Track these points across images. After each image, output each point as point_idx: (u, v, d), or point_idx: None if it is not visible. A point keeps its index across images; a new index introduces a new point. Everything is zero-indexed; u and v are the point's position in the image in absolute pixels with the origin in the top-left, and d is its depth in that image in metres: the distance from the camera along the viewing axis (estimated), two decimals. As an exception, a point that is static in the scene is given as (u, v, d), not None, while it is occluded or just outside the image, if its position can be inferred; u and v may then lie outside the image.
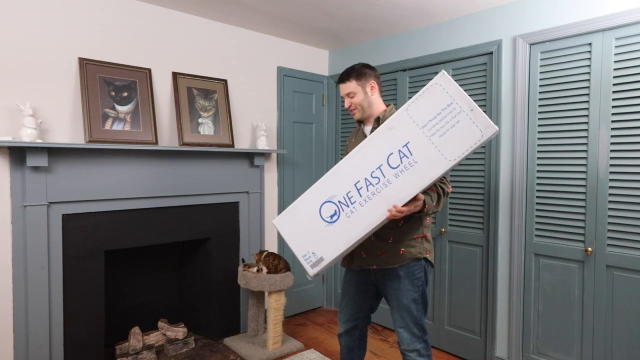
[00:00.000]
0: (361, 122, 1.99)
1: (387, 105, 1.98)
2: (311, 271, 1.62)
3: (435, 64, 2.88)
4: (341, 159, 2.10)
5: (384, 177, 1.52)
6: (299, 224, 1.64)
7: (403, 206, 1.54)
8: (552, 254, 2.39)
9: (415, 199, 1.55)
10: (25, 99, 2.19)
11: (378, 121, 1.91)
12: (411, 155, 1.49)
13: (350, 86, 1.89)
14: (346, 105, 1.95)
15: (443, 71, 1.51)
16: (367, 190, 1.54)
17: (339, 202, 1.58)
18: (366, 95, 1.91)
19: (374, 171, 1.54)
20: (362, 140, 1.95)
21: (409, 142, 1.50)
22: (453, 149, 1.45)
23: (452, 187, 2.79)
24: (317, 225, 1.60)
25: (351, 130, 3.03)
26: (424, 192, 1.64)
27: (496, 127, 1.44)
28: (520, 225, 2.49)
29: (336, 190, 1.59)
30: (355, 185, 1.56)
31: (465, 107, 1.44)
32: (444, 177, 1.80)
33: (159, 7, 2.68)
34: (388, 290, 1.86)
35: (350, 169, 1.58)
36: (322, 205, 1.60)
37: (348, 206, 1.57)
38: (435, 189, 1.73)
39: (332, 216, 1.59)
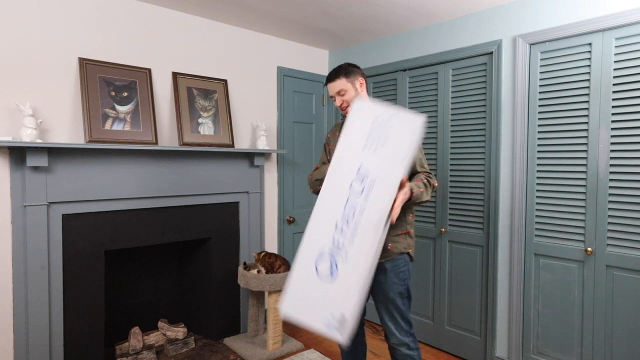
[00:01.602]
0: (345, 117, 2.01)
1: None
2: (341, 337, 1.45)
3: (435, 64, 2.88)
4: (323, 150, 2.13)
5: (356, 205, 1.54)
6: (304, 298, 1.54)
7: (394, 202, 1.55)
8: (552, 254, 2.39)
9: (401, 185, 1.57)
10: (25, 99, 2.19)
11: None
12: (368, 174, 1.54)
13: (341, 83, 1.93)
14: (337, 103, 1.97)
15: (355, 101, 1.65)
16: (349, 227, 1.53)
17: (330, 253, 1.53)
18: (357, 92, 1.94)
19: (345, 205, 1.55)
20: None
21: (360, 165, 1.55)
22: (399, 151, 1.52)
23: (452, 187, 2.81)
24: (321, 288, 1.52)
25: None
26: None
27: (422, 116, 1.51)
28: (520, 225, 2.49)
29: (321, 242, 1.55)
30: (335, 227, 1.54)
31: (389, 113, 1.54)
32: (429, 173, 1.85)
33: (159, 7, 2.68)
34: (374, 285, 1.87)
35: (325, 214, 1.58)
36: (316, 266, 1.55)
37: (340, 250, 1.52)
38: (420, 179, 1.78)
39: (330, 272, 1.53)
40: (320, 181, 2.08)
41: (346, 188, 1.55)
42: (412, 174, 1.87)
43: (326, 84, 2.00)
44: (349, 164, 1.57)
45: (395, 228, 1.86)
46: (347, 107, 1.94)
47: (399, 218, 1.84)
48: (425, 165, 1.91)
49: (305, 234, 1.60)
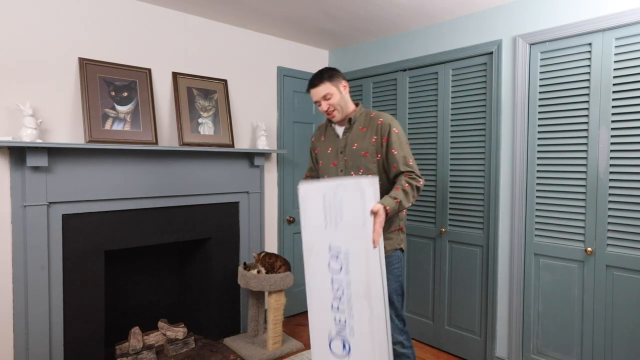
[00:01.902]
0: (331, 121, 2.02)
1: (357, 105, 2.01)
2: None
3: (435, 64, 2.88)
4: (310, 157, 2.13)
5: (342, 282, 1.60)
6: None
7: (374, 232, 1.61)
8: (552, 254, 2.39)
9: (376, 215, 1.61)
10: (25, 99, 2.19)
11: (350, 122, 1.95)
12: (340, 250, 1.60)
13: (326, 88, 1.90)
14: (323, 108, 1.93)
15: (299, 185, 1.69)
16: (343, 303, 1.60)
17: (337, 333, 1.63)
18: (341, 95, 1.93)
19: (332, 286, 1.62)
20: (334, 140, 2.00)
21: (330, 245, 1.62)
22: (356, 218, 1.57)
23: (452, 187, 2.81)
24: None
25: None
26: (385, 194, 1.76)
27: (364, 180, 1.56)
28: (520, 225, 2.49)
29: (327, 328, 1.64)
30: (332, 308, 1.63)
31: (334, 188, 1.59)
32: (411, 173, 1.83)
33: (159, 7, 2.68)
34: None
35: (319, 301, 1.67)
36: (331, 349, 1.65)
37: (345, 327, 1.61)
38: (399, 186, 1.77)
39: (344, 349, 1.62)
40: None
41: (326, 269, 1.63)
42: (396, 175, 1.86)
43: (309, 89, 1.96)
44: (319, 247, 1.64)
45: (388, 225, 1.88)
46: (333, 110, 1.92)
47: (391, 216, 1.87)
48: (410, 161, 1.87)
49: (310, 323, 1.70)
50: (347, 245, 1.58)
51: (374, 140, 1.89)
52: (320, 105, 1.94)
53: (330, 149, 2.02)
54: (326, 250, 1.63)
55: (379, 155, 1.89)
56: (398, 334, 1.90)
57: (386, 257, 1.89)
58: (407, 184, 1.78)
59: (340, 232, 1.59)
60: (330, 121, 2.03)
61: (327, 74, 1.92)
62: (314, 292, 1.68)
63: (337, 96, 1.91)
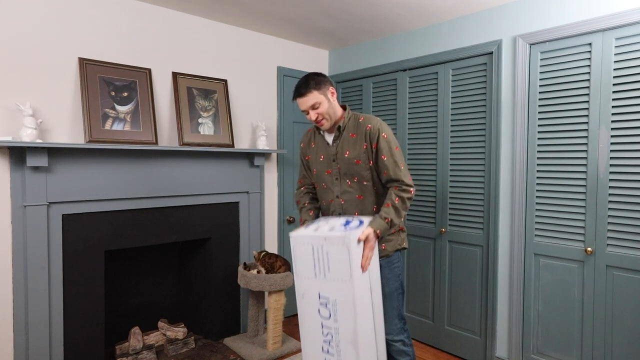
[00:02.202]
0: (318, 128, 1.96)
1: (344, 109, 1.94)
2: None
3: (435, 64, 2.88)
4: (301, 163, 2.12)
5: (331, 329, 1.69)
6: None
7: (363, 257, 1.66)
8: (552, 254, 2.39)
9: (366, 242, 1.67)
10: (25, 99, 2.19)
11: (339, 129, 1.90)
12: (328, 299, 1.68)
13: (313, 97, 1.82)
14: (312, 118, 1.86)
15: (290, 233, 1.74)
16: (333, 347, 1.70)
17: None
18: (330, 103, 1.86)
19: (322, 331, 1.72)
20: (324, 147, 1.98)
21: (319, 293, 1.70)
22: (342, 272, 1.64)
23: (452, 187, 2.81)
24: None
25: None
26: (378, 202, 1.83)
27: (348, 235, 1.60)
28: (520, 225, 2.49)
29: None
30: (322, 351, 1.73)
31: (320, 241, 1.65)
32: (401, 183, 1.81)
33: (159, 7, 2.68)
34: None
35: (312, 345, 1.76)
36: None
37: None
38: (390, 201, 1.78)
39: None
40: (299, 204, 2.10)
41: (317, 315, 1.72)
42: (388, 181, 1.85)
43: (295, 98, 1.87)
44: (309, 294, 1.72)
45: None
46: (322, 119, 1.86)
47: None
48: (402, 166, 1.83)
49: None
50: (334, 295, 1.66)
51: (364, 147, 1.84)
52: (308, 114, 1.87)
53: (322, 156, 1.96)
54: (316, 298, 1.71)
55: (371, 162, 1.85)
56: (399, 332, 1.91)
57: (387, 257, 1.90)
58: (397, 198, 1.78)
59: (328, 283, 1.67)
60: (318, 128, 1.97)
61: (313, 82, 1.83)
62: (307, 334, 1.77)
63: (325, 104, 1.84)
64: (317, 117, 1.86)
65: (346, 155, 1.88)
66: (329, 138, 1.95)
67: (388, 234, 1.88)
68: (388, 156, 1.82)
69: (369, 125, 1.85)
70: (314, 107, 1.84)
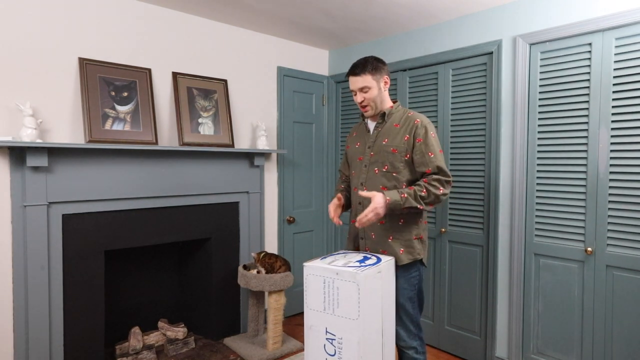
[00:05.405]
0: (364, 116, 1.96)
1: (394, 102, 1.93)
2: None
3: (435, 64, 2.88)
4: (341, 154, 2.13)
5: None
6: None
7: (362, 213, 1.67)
8: (552, 254, 2.39)
9: (372, 198, 1.66)
10: (25, 99, 2.19)
11: (383, 116, 1.87)
12: (335, 335, 1.70)
13: (366, 80, 1.80)
14: (358, 100, 1.84)
15: (304, 263, 1.76)
16: None
17: None
18: (380, 91, 1.83)
19: None
20: (364, 135, 1.96)
21: (326, 329, 1.72)
22: (350, 311, 1.64)
23: (453, 187, 2.80)
24: None
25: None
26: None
27: (359, 274, 1.59)
28: (520, 225, 2.49)
29: None
30: None
31: (333, 275, 1.66)
32: (437, 177, 1.77)
33: (158, 7, 2.68)
34: None
35: None
36: None
37: None
38: (415, 186, 1.75)
39: None
40: (336, 188, 2.15)
41: (322, 350, 1.74)
42: (421, 175, 1.81)
43: (349, 75, 1.84)
44: (317, 329, 1.75)
45: (408, 232, 1.83)
46: (367, 105, 1.83)
47: (412, 222, 1.84)
48: (437, 162, 1.77)
49: None
50: (341, 333, 1.67)
51: (406, 138, 1.81)
52: (355, 95, 1.85)
53: (358, 143, 1.97)
54: (323, 333, 1.73)
55: (408, 155, 1.81)
56: (412, 339, 1.87)
57: (404, 267, 1.83)
58: (424, 189, 1.73)
59: (336, 319, 1.68)
60: (364, 117, 1.96)
61: (370, 66, 1.79)
62: None
63: (374, 91, 1.81)
64: (363, 102, 1.84)
65: (384, 143, 1.84)
66: (371, 125, 1.94)
67: (405, 239, 1.83)
68: (436, 153, 1.79)
69: (418, 120, 1.82)
70: (362, 90, 1.82)
